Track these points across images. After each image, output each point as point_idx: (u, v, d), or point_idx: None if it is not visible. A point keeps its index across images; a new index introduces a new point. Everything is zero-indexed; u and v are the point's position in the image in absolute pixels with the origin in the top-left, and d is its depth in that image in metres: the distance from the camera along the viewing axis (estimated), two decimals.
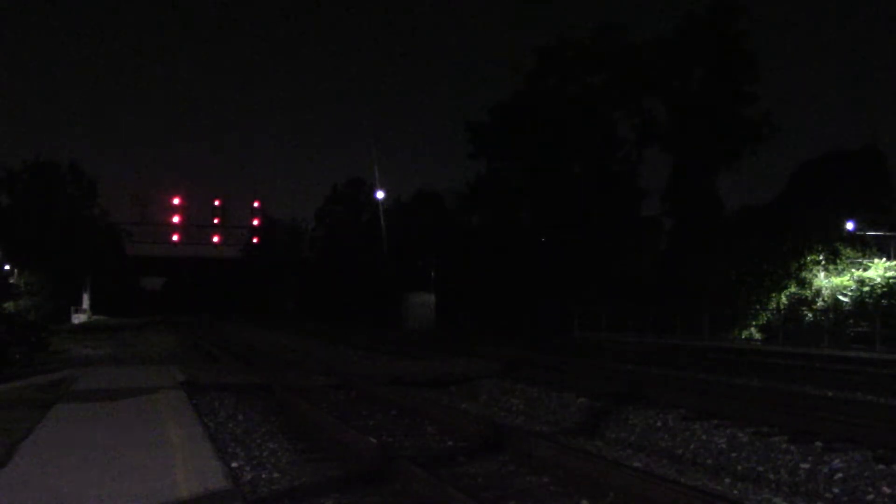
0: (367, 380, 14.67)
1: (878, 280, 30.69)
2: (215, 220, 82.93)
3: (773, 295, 33.72)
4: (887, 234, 33.93)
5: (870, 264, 31.82)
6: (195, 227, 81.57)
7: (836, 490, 7.15)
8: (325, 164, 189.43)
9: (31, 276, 58.18)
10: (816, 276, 33.00)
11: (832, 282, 32.24)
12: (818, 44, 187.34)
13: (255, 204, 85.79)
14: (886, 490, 6.90)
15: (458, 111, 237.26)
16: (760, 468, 8.00)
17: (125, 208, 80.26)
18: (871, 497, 6.88)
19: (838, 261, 32.59)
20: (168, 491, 5.92)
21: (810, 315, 32.44)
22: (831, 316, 31.35)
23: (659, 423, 9.99)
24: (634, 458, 8.76)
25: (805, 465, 7.70)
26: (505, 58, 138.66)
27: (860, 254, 32.82)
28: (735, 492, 7.37)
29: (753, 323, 34.37)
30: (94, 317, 71.45)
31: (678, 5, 75.26)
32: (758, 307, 34.18)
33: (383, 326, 47.36)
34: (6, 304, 36.22)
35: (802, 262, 33.14)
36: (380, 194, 62.24)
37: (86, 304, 72.28)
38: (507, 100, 48.35)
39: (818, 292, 32.71)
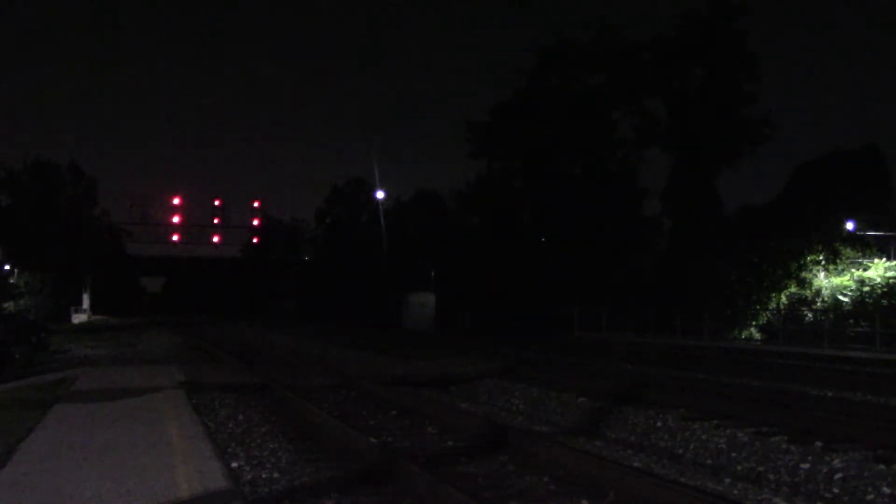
0: (367, 380, 14.66)
1: (878, 280, 30.69)
2: (215, 220, 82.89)
3: (773, 295, 33.71)
4: (887, 234, 33.95)
5: (870, 264, 31.82)
6: (195, 227, 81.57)
7: (836, 490, 7.15)
8: (325, 164, 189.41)
9: (31, 276, 58.18)
10: (816, 276, 33.00)
11: (832, 282, 32.23)
12: (818, 44, 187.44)
13: (255, 204, 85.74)
14: (886, 490, 6.90)
15: (458, 111, 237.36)
16: (760, 468, 8.00)
17: (125, 208, 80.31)
18: (871, 497, 6.88)
19: (838, 261, 32.58)
20: (168, 491, 5.92)
21: (810, 315, 32.44)
22: (831, 316, 31.35)
23: (659, 423, 9.99)
24: (634, 458, 8.76)
25: (805, 465, 7.70)
26: (505, 58, 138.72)
27: (860, 254, 32.82)
28: (735, 492, 7.37)
29: (753, 323, 34.37)
30: (94, 317, 71.40)
31: (678, 5, 75.14)
32: (758, 307, 34.17)
33: (383, 326, 47.34)
34: (6, 304, 36.22)
35: (802, 262, 33.13)
36: (380, 194, 62.29)
37: (86, 304, 72.24)
38: (507, 99, 48.36)
39: (818, 292, 32.71)
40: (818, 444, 8.18)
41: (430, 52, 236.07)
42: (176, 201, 79.35)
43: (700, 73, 41.18)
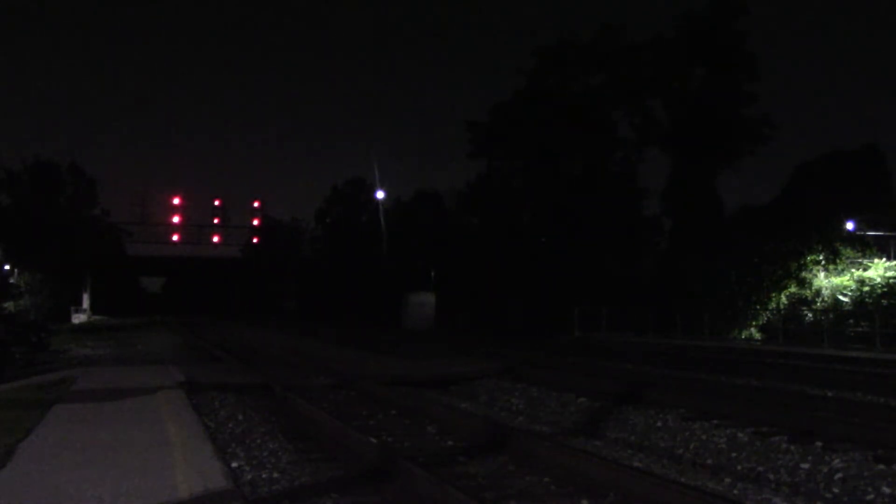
0: (367, 380, 14.65)
1: (878, 280, 30.70)
2: (215, 220, 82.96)
3: (773, 295, 33.72)
4: (887, 234, 33.94)
5: (870, 264, 31.83)
6: (195, 227, 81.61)
7: (836, 490, 7.15)
8: (325, 164, 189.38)
9: (31, 276, 58.12)
10: (816, 276, 33.01)
11: (832, 282, 32.24)
12: (818, 44, 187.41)
13: (255, 204, 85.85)
14: (886, 490, 6.90)
15: (458, 111, 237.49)
16: (760, 468, 8.00)
17: (125, 208, 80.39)
18: (871, 497, 6.88)
19: (838, 261, 32.59)
20: (168, 491, 5.92)
21: (810, 315, 32.44)
22: (831, 316, 31.35)
23: (659, 423, 9.99)
24: (634, 458, 8.75)
25: (805, 465, 7.70)
26: (505, 58, 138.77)
27: (860, 254, 32.82)
28: (735, 492, 7.36)
29: (753, 323, 34.38)
30: (94, 317, 71.33)
31: (678, 5, 75.22)
32: (758, 307, 34.18)
33: (383, 326, 47.32)
34: (6, 304, 36.23)
35: (802, 262, 33.14)
36: (380, 194, 62.25)
37: (86, 304, 72.19)
38: (507, 99, 48.35)
39: (818, 292, 32.71)
40: (818, 444, 8.18)
41: (431, 52, 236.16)
42: (176, 201, 79.46)
43: (700, 73, 41.22)
